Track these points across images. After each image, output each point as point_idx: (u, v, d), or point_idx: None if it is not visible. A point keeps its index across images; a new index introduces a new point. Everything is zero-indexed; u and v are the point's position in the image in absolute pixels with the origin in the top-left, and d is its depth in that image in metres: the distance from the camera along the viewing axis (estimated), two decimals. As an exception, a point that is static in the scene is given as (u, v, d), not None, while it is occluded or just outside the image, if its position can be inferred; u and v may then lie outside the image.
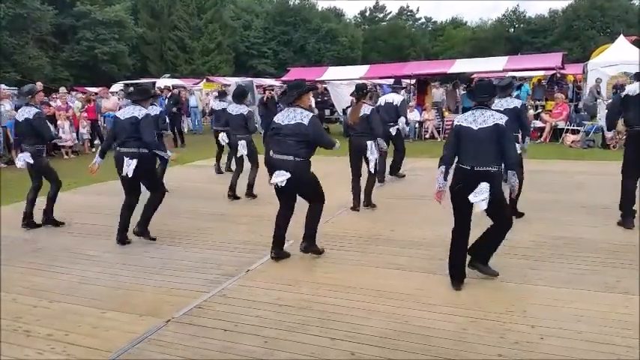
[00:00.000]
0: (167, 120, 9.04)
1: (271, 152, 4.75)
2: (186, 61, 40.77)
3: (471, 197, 3.87)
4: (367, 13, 61.82)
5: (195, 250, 5.34)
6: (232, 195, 7.50)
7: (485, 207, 3.89)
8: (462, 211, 4.07)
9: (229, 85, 20.85)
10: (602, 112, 12.47)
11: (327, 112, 18.68)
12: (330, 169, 8.20)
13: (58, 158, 12.32)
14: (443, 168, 4.14)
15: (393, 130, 8.37)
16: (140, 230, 5.57)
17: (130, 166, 5.25)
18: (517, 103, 5.91)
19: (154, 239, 5.60)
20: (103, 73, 34.81)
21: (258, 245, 5.38)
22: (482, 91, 4.15)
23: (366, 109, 6.50)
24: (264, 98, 14.98)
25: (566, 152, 11.82)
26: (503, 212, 4.10)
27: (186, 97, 19.02)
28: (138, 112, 5.41)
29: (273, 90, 18.11)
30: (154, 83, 22.09)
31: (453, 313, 3.68)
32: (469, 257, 4.25)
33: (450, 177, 4.15)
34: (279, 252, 4.91)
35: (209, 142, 15.34)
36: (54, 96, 15.08)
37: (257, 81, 26.42)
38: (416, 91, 17.29)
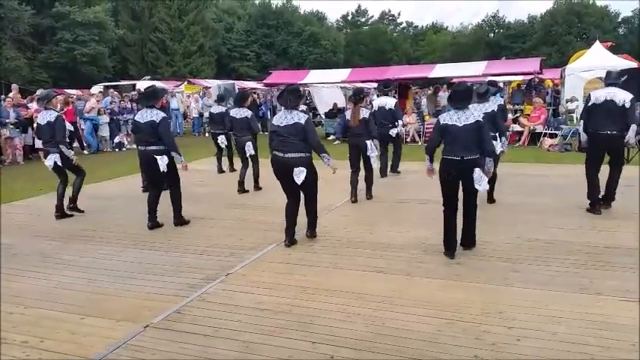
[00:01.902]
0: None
1: (279, 153, 5.19)
2: (168, 63, 40.38)
3: (477, 186, 4.69)
4: (349, 17, 62.03)
5: (175, 253, 5.30)
6: (242, 190, 8.28)
7: (487, 188, 5.06)
8: (452, 192, 4.90)
9: (210, 88, 20.77)
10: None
11: (310, 115, 18.69)
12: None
13: (35, 161, 12.10)
14: (429, 157, 5.09)
15: (392, 133, 8.96)
16: (179, 221, 6.29)
17: (163, 164, 5.85)
18: (494, 107, 6.46)
19: (189, 222, 6.37)
20: (83, 75, 34.31)
21: (238, 249, 5.37)
22: (459, 99, 4.82)
23: (364, 112, 7.19)
24: (247, 101, 14.93)
25: (544, 156, 12.00)
26: (477, 191, 4.87)
27: (167, 99, 18.86)
28: (155, 115, 5.91)
29: (255, 93, 18.07)
30: (134, 85, 21.86)
31: (429, 315, 3.72)
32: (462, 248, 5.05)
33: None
34: (292, 239, 5.42)
35: (191, 145, 15.30)
36: (32, 98, 14.83)
37: (239, 84, 26.35)
38: (397, 95, 17.38)
